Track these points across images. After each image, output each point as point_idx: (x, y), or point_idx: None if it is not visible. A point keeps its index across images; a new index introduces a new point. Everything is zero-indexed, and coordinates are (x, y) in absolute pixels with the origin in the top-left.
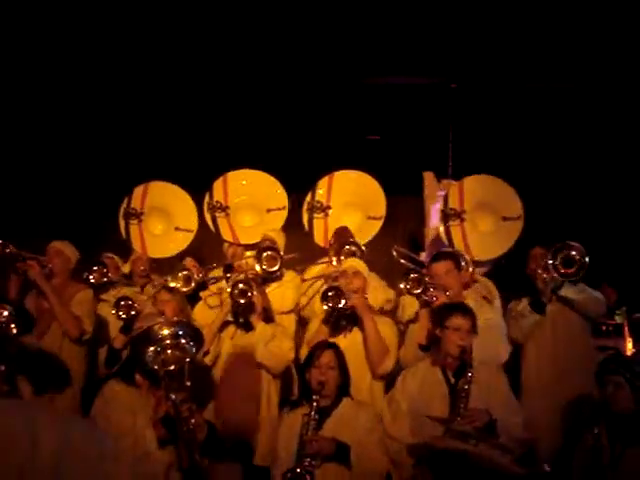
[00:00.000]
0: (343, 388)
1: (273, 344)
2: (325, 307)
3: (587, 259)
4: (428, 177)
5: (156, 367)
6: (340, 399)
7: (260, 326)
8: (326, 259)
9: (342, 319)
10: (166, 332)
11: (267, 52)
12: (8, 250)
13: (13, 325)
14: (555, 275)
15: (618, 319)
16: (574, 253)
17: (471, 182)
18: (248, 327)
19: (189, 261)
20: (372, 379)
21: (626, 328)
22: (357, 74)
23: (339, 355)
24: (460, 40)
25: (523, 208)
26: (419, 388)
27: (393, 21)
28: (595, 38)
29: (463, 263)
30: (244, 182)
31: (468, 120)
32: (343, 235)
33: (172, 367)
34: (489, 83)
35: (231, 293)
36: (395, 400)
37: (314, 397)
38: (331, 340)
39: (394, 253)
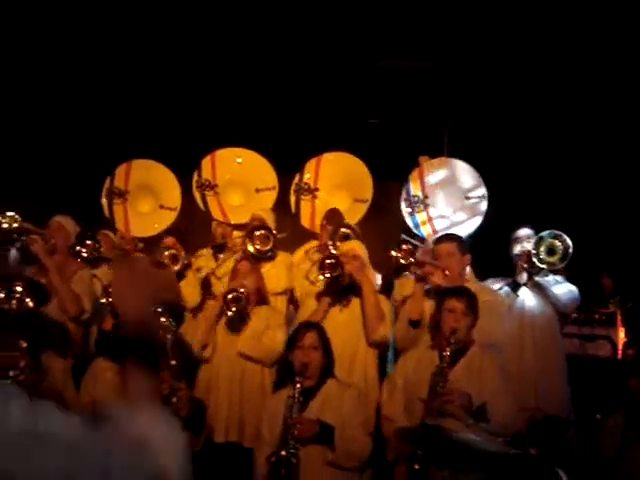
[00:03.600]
0: (327, 369)
1: (267, 337)
2: (322, 277)
3: (571, 250)
4: (424, 162)
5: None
6: (324, 380)
7: (254, 318)
8: (317, 242)
9: (338, 292)
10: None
11: (261, 32)
12: (16, 225)
13: (29, 299)
14: (534, 261)
15: (612, 308)
16: (558, 243)
17: (428, 167)
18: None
19: (169, 239)
20: (366, 348)
21: (619, 317)
22: (354, 57)
23: (322, 335)
24: (459, 25)
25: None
26: (414, 369)
27: (392, 4)
28: (584, 26)
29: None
30: (234, 160)
31: (465, 105)
32: (336, 217)
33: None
34: (486, 67)
35: (225, 303)
36: (393, 380)
37: (297, 379)
38: (328, 314)
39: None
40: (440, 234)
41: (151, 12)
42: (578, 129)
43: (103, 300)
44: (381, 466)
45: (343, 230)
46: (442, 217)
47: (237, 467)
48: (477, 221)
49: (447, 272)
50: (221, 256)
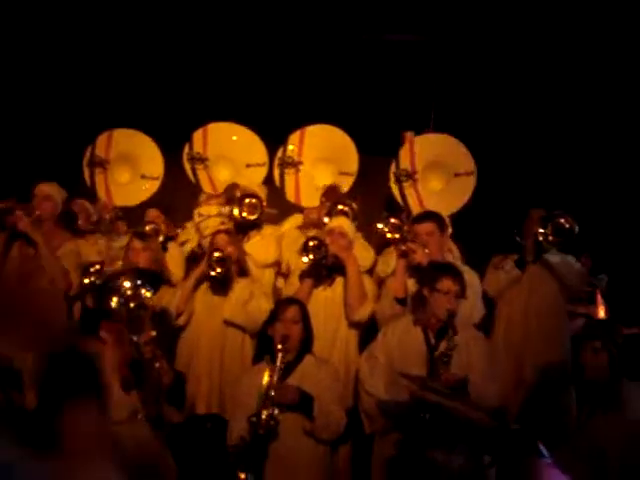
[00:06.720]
0: (306, 344)
1: (251, 305)
2: (306, 259)
3: (576, 229)
4: (408, 137)
5: (116, 308)
6: (303, 355)
7: (238, 286)
8: (301, 216)
9: (322, 270)
10: (128, 284)
11: (247, 5)
12: None
13: None
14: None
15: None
16: (564, 222)
17: (421, 142)
18: (222, 283)
19: (153, 212)
20: (347, 327)
21: (599, 295)
22: (342, 30)
23: (303, 310)
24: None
25: (475, 163)
26: (398, 344)
27: None
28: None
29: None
30: (225, 134)
31: (452, 79)
32: (334, 194)
33: (131, 305)
34: (474, 42)
35: (208, 262)
36: (374, 355)
37: (279, 347)
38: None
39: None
40: (419, 212)
41: None
42: (566, 103)
43: (86, 280)
44: (360, 440)
45: (340, 207)
46: (430, 192)
47: (219, 438)
48: (465, 198)
49: (427, 250)
50: (203, 213)
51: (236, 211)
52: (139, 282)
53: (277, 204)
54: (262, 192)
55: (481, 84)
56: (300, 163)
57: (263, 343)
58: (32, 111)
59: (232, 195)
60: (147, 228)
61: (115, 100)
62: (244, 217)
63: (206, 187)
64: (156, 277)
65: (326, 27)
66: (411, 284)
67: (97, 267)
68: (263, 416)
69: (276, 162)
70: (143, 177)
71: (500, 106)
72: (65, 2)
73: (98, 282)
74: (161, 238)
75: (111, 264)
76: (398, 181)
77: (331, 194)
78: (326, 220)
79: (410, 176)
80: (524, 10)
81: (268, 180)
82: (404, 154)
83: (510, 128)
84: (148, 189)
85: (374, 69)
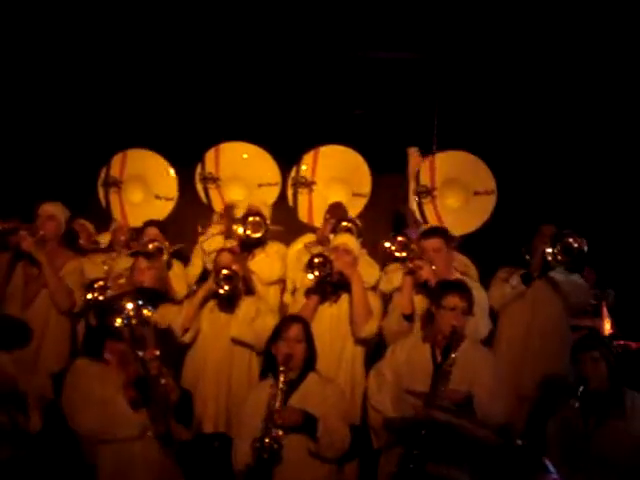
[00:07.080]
0: (309, 362)
1: (257, 323)
2: (311, 276)
3: (585, 249)
4: (412, 153)
5: (119, 326)
6: (306, 373)
7: (244, 304)
8: (314, 235)
9: (328, 287)
10: (130, 306)
11: (254, 25)
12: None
13: None
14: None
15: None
16: (572, 241)
17: (442, 158)
18: (229, 300)
19: (152, 230)
20: (354, 344)
21: (604, 309)
22: (344, 48)
23: (306, 329)
24: (447, 15)
25: (496, 182)
26: (406, 361)
27: None
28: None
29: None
30: (237, 154)
31: (454, 96)
32: (339, 211)
33: (134, 322)
34: (474, 58)
35: (215, 280)
36: (381, 372)
37: (281, 369)
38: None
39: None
40: (426, 228)
41: (153, 4)
42: (569, 118)
43: (89, 296)
44: (367, 456)
45: (345, 224)
46: (448, 209)
47: (226, 457)
48: (485, 217)
49: (434, 267)
50: (210, 230)
51: (240, 229)
52: (141, 302)
53: (289, 223)
54: (266, 210)
55: (482, 97)
56: (313, 183)
57: (268, 360)
58: (45, 132)
59: (231, 214)
60: (150, 246)
61: (128, 120)
62: (248, 235)
63: (217, 207)
64: (159, 295)
65: (333, 47)
66: (418, 300)
67: (101, 283)
68: (267, 440)
69: (289, 182)
70: (157, 197)
71: (503, 119)
72: (79, 23)
73: (101, 298)
74: (165, 256)
75: (115, 281)
76: (418, 197)
77: (335, 211)
78: (331, 237)
79: (429, 192)
80: (521, 22)
81: (280, 199)
82: (424, 170)
83: (512, 140)
84: (162, 210)
85: (376, 87)
